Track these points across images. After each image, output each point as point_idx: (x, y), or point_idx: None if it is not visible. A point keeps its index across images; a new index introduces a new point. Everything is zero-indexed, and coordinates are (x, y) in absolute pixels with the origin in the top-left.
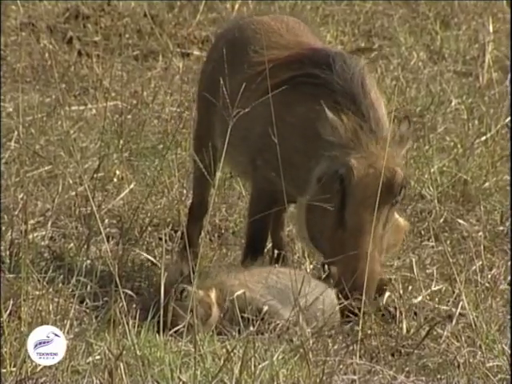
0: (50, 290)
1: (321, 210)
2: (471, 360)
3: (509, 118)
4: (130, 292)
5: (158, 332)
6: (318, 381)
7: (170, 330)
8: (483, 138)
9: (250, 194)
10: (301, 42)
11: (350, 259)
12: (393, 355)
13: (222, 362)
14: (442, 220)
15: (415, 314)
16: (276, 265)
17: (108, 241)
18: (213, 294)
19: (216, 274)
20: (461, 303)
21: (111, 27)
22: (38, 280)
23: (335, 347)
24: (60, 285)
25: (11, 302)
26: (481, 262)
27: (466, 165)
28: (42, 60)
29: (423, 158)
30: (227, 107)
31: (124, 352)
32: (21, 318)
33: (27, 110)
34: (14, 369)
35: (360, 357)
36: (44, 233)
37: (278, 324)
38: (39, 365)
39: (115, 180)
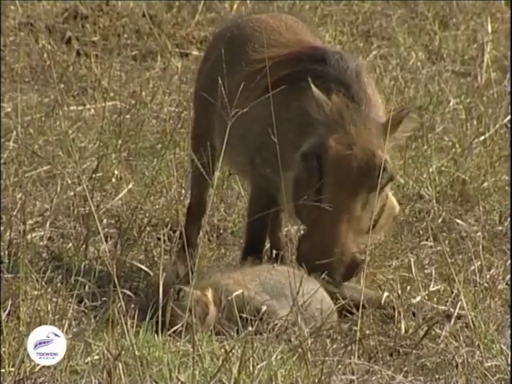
0: (49, 289)
1: (304, 185)
2: (470, 360)
3: (507, 118)
4: (128, 292)
5: (157, 332)
6: (316, 381)
7: (169, 330)
8: (482, 137)
9: (249, 193)
10: (301, 40)
11: (320, 237)
12: (391, 355)
13: (220, 362)
14: (440, 220)
15: (413, 314)
16: (274, 264)
17: (106, 241)
18: (209, 293)
19: (210, 274)
20: (459, 303)
21: (110, 27)
22: (37, 280)
23: (333, 347)
24: (58, 285)
25: (10, 301)
26: (479, 262)
27: (464, 165)
28: (41, 60)
29: (422, 157)
30: (226, 107)
31: (123, 352)
32: (19, 318)
33: (26, 110)
34: (13, 369)
35: (358, 357)
36: (42, 233)
37: (277, 324)
38: (38, 365)
39: (114, 180)
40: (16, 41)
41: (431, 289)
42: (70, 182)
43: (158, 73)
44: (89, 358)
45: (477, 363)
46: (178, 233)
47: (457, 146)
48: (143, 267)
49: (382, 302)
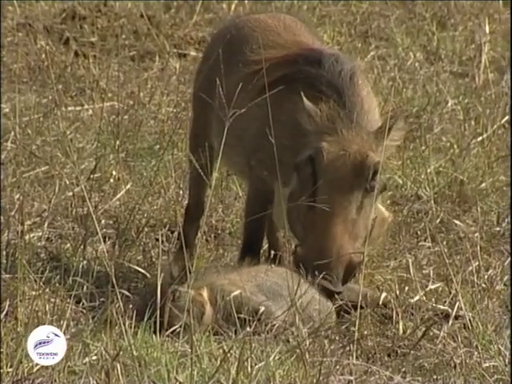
0: (47, 290)
1: (298, 197)
2: (468, 360)
3: (505, 119)
4: (126, 292)
5: (155, 332)
6: (314, 381)
7: (167, 330)
8: (479, 138)
9: (247, 194)
10: (299, 41)
11: (316, 239)
12: (389, 356)
13: (218, 362)
14: (438, 220)
15: (412, 314)
16: (272, 265)
17: (104, 241)
18: (204, 293)
19: (206, 274)
20: (457, 304)
21: (108, 28)
22: (35, 280)
23: (331, 348)
24: (56, 285)
25: (8, 302)
26: (477, 263)
27: (462, 165)
28: (39, 60)
29: (420, 158)
30: (223, 107)
31: (121, 352)
32: (17, 319)
33: (24, 111)
34: (11, 369)
35: (356, 357)
36: (40, 233)
37: (275, 324)
38: (36, 365)
39: (112, 180)
40: (14, 41)
41: (429, 288)
42: (68, 182)
43: (156, 73)
44: (87, 359)
45: (475, 364)
46: (176, 233)
47: (455, 146)
48: (140, 269)
49: (380, 302)
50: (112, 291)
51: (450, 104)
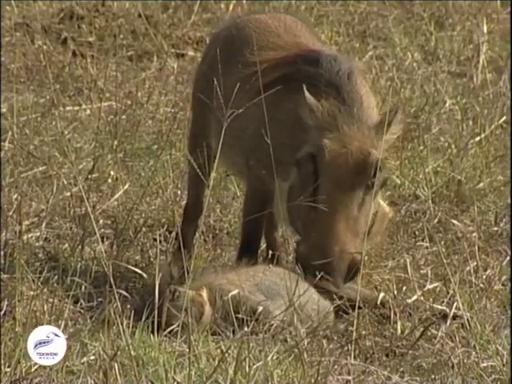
0: (45, 290)
1: (298, 192)
2: (465, 360)
3: (503, 119)
4: (124, 292)
5: (153, 332)
6: (312, 381)
7: (165, 330)
8: (477, 138)
9: (245, 194)
10: (299, 42)
11: (318, 238)
12: (387, 355)
13: (216, 362)
14: (436, 220)
15: (409, 314)
16: (270, 265)
17: (102, 241)
18: (204, 293)
19: (204, 275)
20: (455, 304)
21: (105, 28)
22: (33, 280)
23: (330, 347)
24: (54, 285)
25: (6, 302)
26: (475, 263)
27: (460, 165)
28: (37, 60)
29: (418, 158)
30: (222, 108)
31: (118, 352)
32: (15, 319)
33: (21, 111)
34: (9, 369)
35: (354, 357)
36: (38, 233)
37: (273, 324)
38: (34, 365)
39: (110, 181)
40: (12, 41)
41: (427, 288)
42: (65, 182)
43: (154, 73)
44: (85, 359)
45: (473, 364)
46: (174, 233)
47: (453, 146)
48: (137, 270)
49: (378, 302)
50: (110, 291)
51: (447, 104)
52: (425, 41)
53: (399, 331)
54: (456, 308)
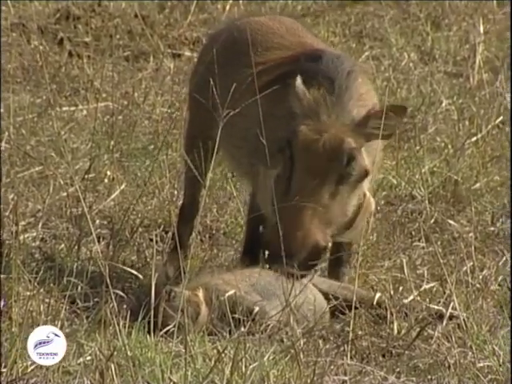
0: (41, 290)
1: (281, 179)
2: (462, 361)
3: (500, 119)
4: (120, 292)
5: (149, 333)
6: (308, 381)
7: (161, 330)
8: (474, 138)
9: (250, 192)
10: (303, 42)
11: (282, 223)
12: (384, 356)
13: (212, 362)
14: (432, 221)
15: (406, 314)
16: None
17: (99, 241)
18: (200, 293)
19: (200, 275)
20: (452, 304)
21: (102, 28)
22: (29, 280)
23: (326, 348)
24: (51, 285)
25: (2, 302)
26: (472, 263)
27: (456, 165)
28: (33, 61)
29: (414, 158)
30: (226, 108)
31: (115, 353)
32: (12, 319)
33: (18, 111)
34: (5, 369)
35: (351, 357)
36: (35, 234)
37: (269, 324)
38: (30, 365)
39: (106, 181)
40: (8, 41)
41: (423, 288)
42: (62, 182)
43: (151, 73)
44: (81, 359)
45: (469, 364)
46: (170, 234)
47: (449, 146)
48: (133, 271)
49: (374, 302)
50: (106, 291)
51: (444, 104)
52: (421, 41)
53: (396, 331)
54: (452, 308)
